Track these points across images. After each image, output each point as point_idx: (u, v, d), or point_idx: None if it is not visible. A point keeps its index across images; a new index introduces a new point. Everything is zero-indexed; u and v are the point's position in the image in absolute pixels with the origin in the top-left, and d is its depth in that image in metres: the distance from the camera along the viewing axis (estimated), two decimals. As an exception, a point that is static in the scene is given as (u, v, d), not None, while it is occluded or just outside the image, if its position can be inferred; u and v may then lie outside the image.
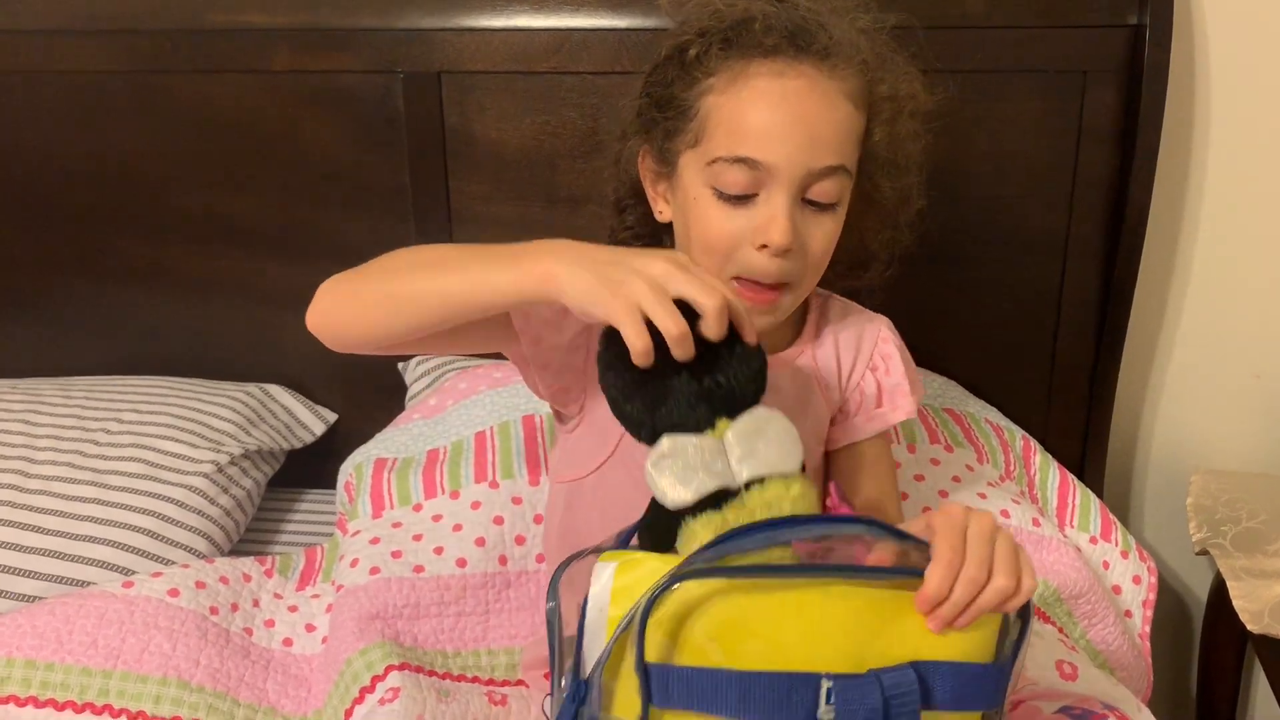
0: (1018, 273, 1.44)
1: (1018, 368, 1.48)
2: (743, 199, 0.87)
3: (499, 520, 1.18)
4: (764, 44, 0.87)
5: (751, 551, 0.65)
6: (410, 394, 1.44)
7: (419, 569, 1.15)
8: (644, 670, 0.63)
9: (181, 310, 1.53)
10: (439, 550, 1.17)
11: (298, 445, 1.49)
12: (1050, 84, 1.35)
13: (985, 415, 1.40)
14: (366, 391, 1.54)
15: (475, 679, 1.11)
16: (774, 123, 0.85)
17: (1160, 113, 1.32)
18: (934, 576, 0.64)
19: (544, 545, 1.14)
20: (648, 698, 0.63)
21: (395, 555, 1.16)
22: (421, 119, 1.41)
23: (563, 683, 0.70)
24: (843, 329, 1.03)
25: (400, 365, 1.49)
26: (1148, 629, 1.31)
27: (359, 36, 1.39)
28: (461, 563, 1.16)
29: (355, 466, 1.30)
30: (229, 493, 1.33)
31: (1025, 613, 0.68)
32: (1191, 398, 1.54)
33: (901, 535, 0.67)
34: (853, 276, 1.01)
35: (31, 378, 1.52)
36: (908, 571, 0.65)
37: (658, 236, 0.99)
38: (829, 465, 1.04)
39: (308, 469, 1.51)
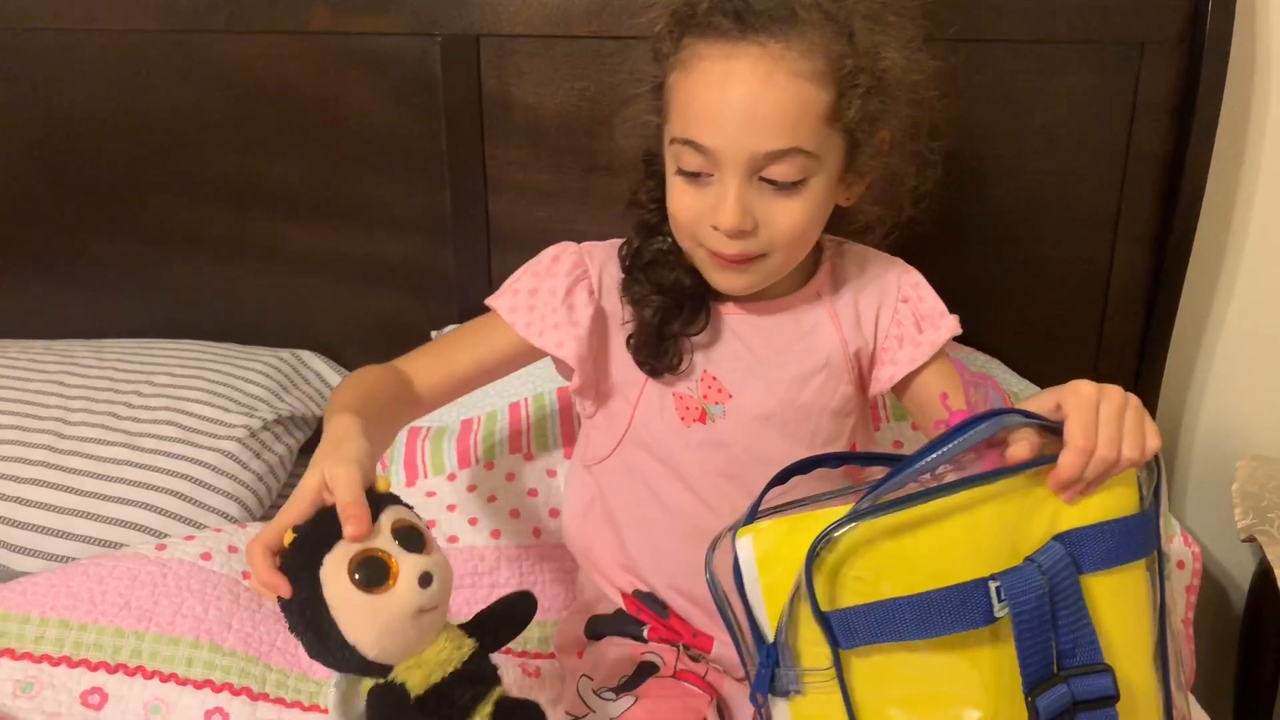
0: (1066, 251, 1.41)
1: (1064, 348, 1.45)
2: (700, 178, 0.89)
3: (533, 493, 1.17)
4: (712, 23, 0.86)
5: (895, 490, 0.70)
6: (444, 362, 1.43)
7: (453, 539, 1.14)
8: (824, 619, 0.68)
9: (215, 274, 1.52)
10: (473, 521, 1.16)
11: (330, 412, 1.47)
12: (1105, 56, 1.32)
13: (1027, 394, 1.36)
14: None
15: (508, 651, 1.10)
16: (715, 107, 0.85)
17: (1221, 86, 1.29)
18: (1067, 462, 0.68)
19: (565, 527, 1.11)
20: (835, 643, 0.69)
21: (429, 525, 1.15)
22: (458, 83, 1.39)
23: (745, 650, 0.75)
24: (861, 273, 1.02)
25: (434, 334, 1.47)
26: (1190, 615, 1.29)
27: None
28: (496, 534, 1.15)
29: (388, 434, 1.28)
30: (261, 458, 1.33)
31: (1156, 462, 0.73)
32: (1240, 381, 1.50)
33: (1033, 418, 0.71)
34: (857, 236, 1.03)
35: (65, 339, 1.52)
36: (1044, 460, 0.70)
37: (664, 214, 0.97)
38: (903, 401, 1.03)
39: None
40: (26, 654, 1.03)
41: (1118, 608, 0.71)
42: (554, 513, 1.17)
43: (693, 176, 0.89)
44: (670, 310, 0.96)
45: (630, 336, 0.97)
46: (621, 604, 1.03)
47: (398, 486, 1.21)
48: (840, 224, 1.01)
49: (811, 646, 0.70)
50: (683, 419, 0.97)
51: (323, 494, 0.74)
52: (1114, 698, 0.68)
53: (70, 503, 1.22)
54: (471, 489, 1.18)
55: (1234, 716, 1.46)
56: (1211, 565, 1.55)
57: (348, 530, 0.70)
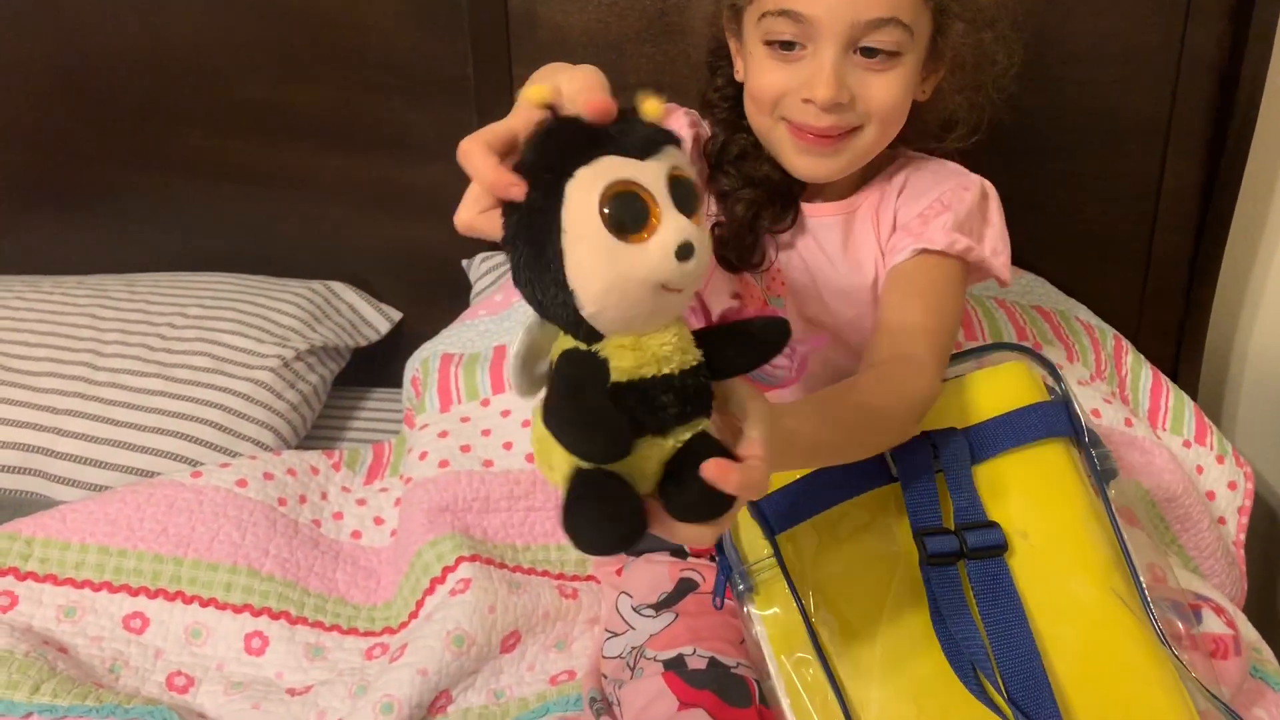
0: (1114, 162, 1.36)
1: (1111, 263, 1.41)
2: (792, 51, 0.87)
3: (569, 415, 1.15)
4: None
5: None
6: (475, 291, 1.41)
7: (488, 463, 1.13)
8: (756, 507, 0.80)
9: (244, 205, 1.51)
10: (508, 445, 1.14)
11: (362, 343, 1.47)
12: (1157, -45, 1.26)
13: (1075, 313, 1.33)
14: (431, 290, 1.51)
15: (545, 573, 1.09)
16: None
17: (1279, -13, 1.23)
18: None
19: None
20: (769, 530, 0.79)
21: (464, 449, 1.14)
22: (483, 2, 1.36)
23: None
24: (921, 181, 0.97)
25: (465, 263, 1.45)
26: (1242, 537, 1.26)
27: (421, -83, 1.34)
28: (530, 458, 1.13)
29: (422, 361, 1.27)
30: (295, 388, 1.32)
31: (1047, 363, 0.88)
32: (1295, 298, 1.46)
33: None
34: (935, 139, 0.98)
35: (97, 274, 1.51)
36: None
37: (738, 95, 0.95)
38: None
39: (373, 368, 1.49)
40: (69, 580, 1.03)
41: (1031, 480, 0.83)
42: (589, 436, 1.15)
43: (783, 50, 0.86)
44: (762, 204, 0.94)
45: (715, 226, 0.94)
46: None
47: (430, 411, 1.20)
48: (921, 123, 0.96)
49: (752, 540, 0.81)
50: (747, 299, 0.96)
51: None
52: (1001, 547, 0.79)
53: (107, 433, 1.22)
54: (505, 414, 1.17)
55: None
56: (1263, 488, 1.51)
57: (591, 103, 0.56)
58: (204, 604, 1.03)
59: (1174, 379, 1.37)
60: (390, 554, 1.12)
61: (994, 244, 0.97)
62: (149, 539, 1.06)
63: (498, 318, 1.29)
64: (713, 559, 0.97)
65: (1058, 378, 0.87)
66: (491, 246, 1.46)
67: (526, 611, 1.02)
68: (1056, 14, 1.29)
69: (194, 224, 1.53)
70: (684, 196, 0.56)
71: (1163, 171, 1.36)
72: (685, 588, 0.95)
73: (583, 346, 0.58)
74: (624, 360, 0.57)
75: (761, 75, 0.89)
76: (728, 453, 0.59)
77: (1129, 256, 1.40)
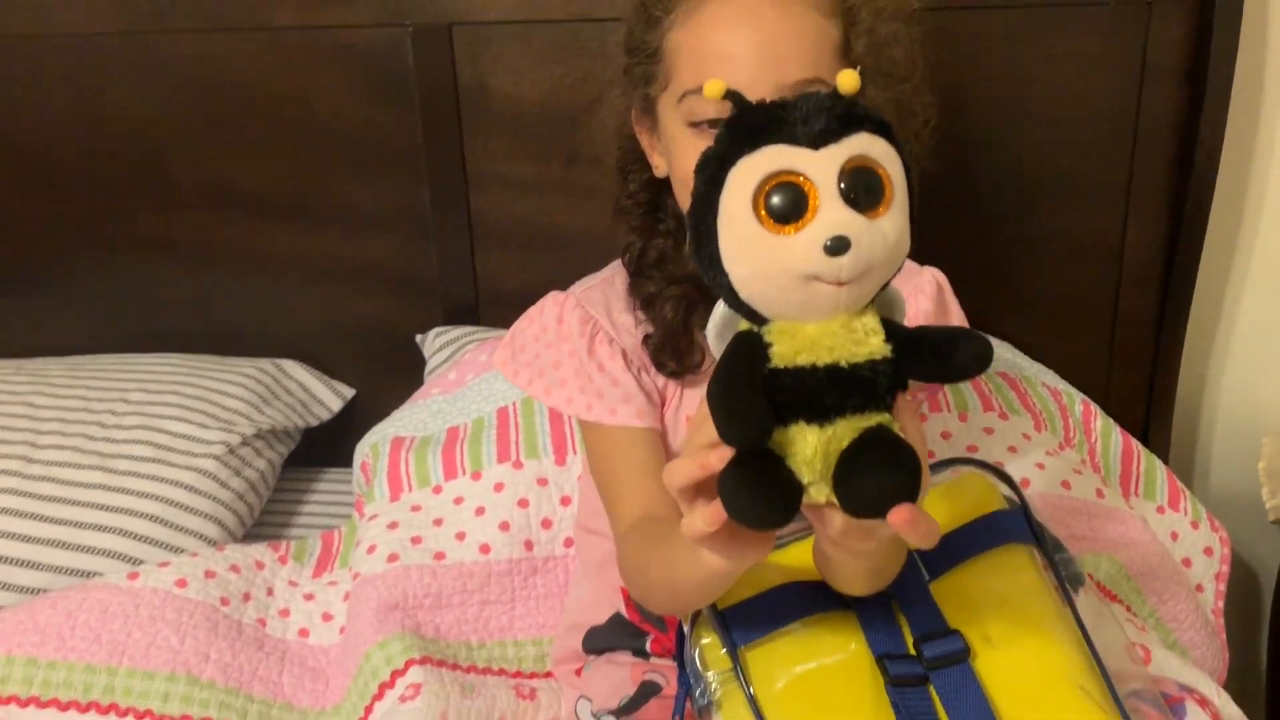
0: (1076, 224, 1.34)
1: (1076, 327, 1.39)
2: (717, 125, 0.81)
3: (524, 503, 1.11)
4: None
5: None
6: (429, 368, 1.37)
7: (440, 555, 1.09)
8: (720, 617, 0.76)
9: (191, 283, 1.47)
10: (461, 536, 1.10)
11: (314, 423, 1.42)
12: (1110, 16, 1.25)
13: (1042, 379, 1.31)
14: (385, 365, 1.47)
15: (502, 671, 1.05)
16: (733, 43, 0.81)
17: (1234, 45, 1.22)
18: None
19: (575, 531, 1.07)
20: (731, 643, 0.75)
21: (415, 541, 1.09)
22: (433, 74, 1.33)
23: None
24: None
25: (419, 338, 1.41)
26: (1221, 604, 1.23)
27: (366, -12, 1.31)
28: (485, 549, 1.09)
29: (371, 446, 1.23)
30: (241, 475, 1.27)
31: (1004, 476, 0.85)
32: (1262, 356, 1.44)
33: None
34: None
35: (39, 357, 1.46)
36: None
37: (658, 200, 0.93)
38: None
39: (325, 447, 1.45)
40: (-6, 695, 0.98)
41: (991, 584, 0.80)
42: (546, 523, 1.11)
43: (711, 128, 0.82)
44: (692, 300, 0.90)
45: (647, 337, 0.92)
46: (620, 608, 0.97)
47: (379, 501, 1.16)
48: None
49: (714, 653, 0.76)
50: None
51: None
52: (963, 652, 0.75)
53: (42, 531, 1.17)
54: (458, 501, 1.12)
55: (1267, 708, 1.40)
56: (1239, 549, 1.49)
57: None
58: (139, 716, 0.98)
59: (1144, 441, 1.35)
60: (339, 653, 1.07)
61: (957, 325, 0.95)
62: (81, 648, 1.01)
63: (451, 397, 1.25)
64: (675, 659, 0.93)
65: (1015, 488, 0.85)
66: (447, 320, 1.44)
67: (481, 717, 0.97)
68: (1012, 76, 1.28)
69: (140, 303, 1.48)
70: (860, 187, 0.54)
71: (1124, 232, 1.34)
72: (647, 692, 0.91)
73: (753, 327, 0.59)
74: (783, 345, 0.57)
75: (690, 158, 0.83)
76: (907, 451, 0.57)
77: (1094, 319, 1.38)
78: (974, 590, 0.80)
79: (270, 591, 1.13)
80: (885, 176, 0.55)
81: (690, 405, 0.92)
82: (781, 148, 0.55)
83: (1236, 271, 1.41)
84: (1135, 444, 1.28)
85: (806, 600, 0.77)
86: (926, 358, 0.59)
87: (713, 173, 0.57)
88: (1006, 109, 1.29)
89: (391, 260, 1.42)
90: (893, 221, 0.55)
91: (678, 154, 0.85)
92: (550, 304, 0.94)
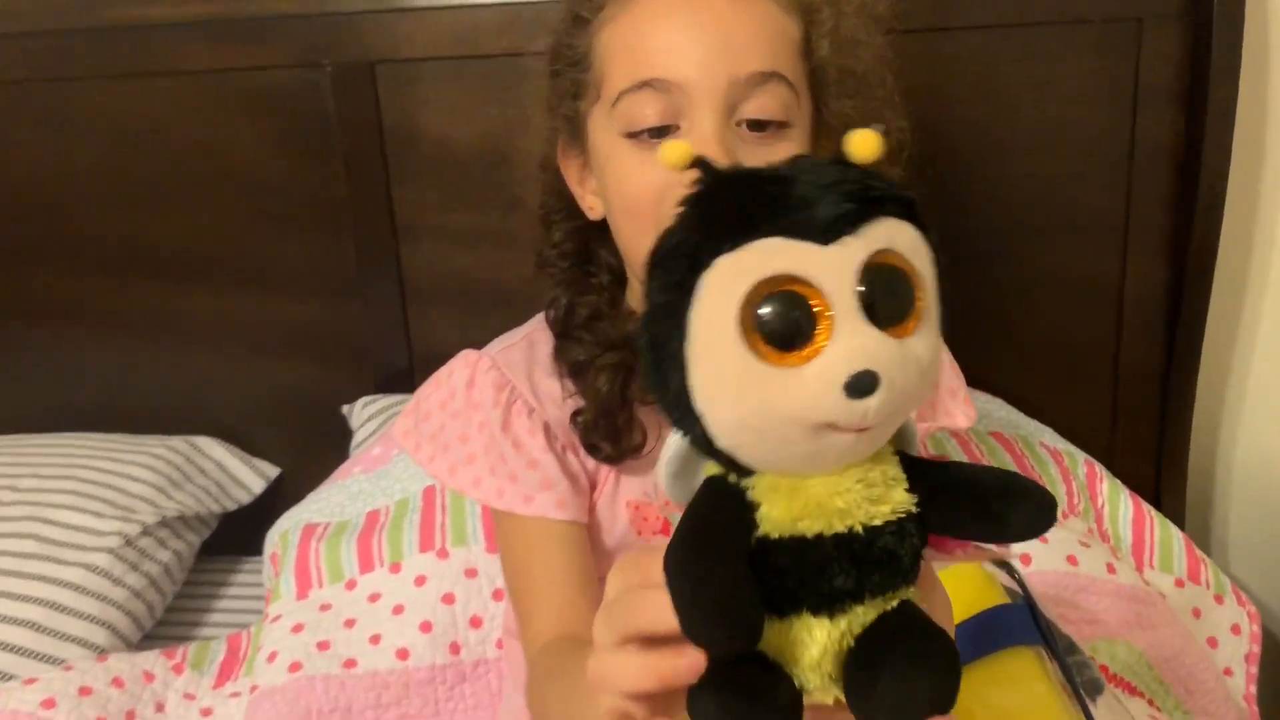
0: (1068, 265, 1.22)
1: (1075, 379, 1.26)
2: (660, 135, 0.70)
3: (449, 598, 0.96)
4: None
5: None
6: (355, 441, 1.23)
7: (350, 663, 0.94)
8: None
9: (98, 352, 1.33)
10: (375, 639, 0.95)
11: (232, 506, 1.28)
12: (1098, 35, 1.14)
13: (1040, 438, 1.17)
14: (313, 440, 1.33)
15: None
16: (677, 31, 0.70)
17: (1237, 63, 1.11)
18: None
19: (505, 629, 0.92)
20: None
21: (321, 647, 0.95)
22: (355, 118, 1.21)
23: None
24: None
25: (345, 409, 1.28)
26: (1253, 689, 1.09)
27: (278, 25, 1.20)
28: (403, 654, 0.94)
29: (281, 534, 1.09)
30: (140, 569, 1.12)
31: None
32: (1282, 405, 1.31)
33: None
34: None
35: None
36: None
37: (588, 250, 0.80)
38: None
39: (249, 533, 1.29)
40: None
41: (993, 700, 0.68)
42: (476, 621, 0.96)
43: (653, 139, 0.70)
44: (631, 368, 0.75)
45: (576, 414, 0.76)
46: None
47: (286, 599, 1.01)
48: None
49: None
50: (639, 532, 0.77)
51: None
52: None
53: (-97, 643, 1.02)
54: (374, 598, 0.98)
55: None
56: (1270, 622, 1.34)
57: None
58: None
59: (1157, 506, 1.21)
60: (236, 782, 0.92)
61: (950, 385, 0.82)
62: (-81, 789, 0.86)
63: (374, 475, 1.11)
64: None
65: (1017, 577, 0.73)
66: (379, 388, 1.30)
67: None
68: (996, 106, 1.17)
69: (42, 376, 1.35)
70: (885, 296, 0.40)
71: (1123, 273, 1.22)
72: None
73: (730, 475, 0.44)
74: (777, 508, 0.42)
75: (631, 175, 0.71)
76: (941, 640, 0.42)
77: (1094, 369, 1.25)
78: (973, 705, 0.68)
79: (160, 707, 0.98)
80: (915, 278, 0.41)
81: (628, 491, 0.77)
82: (778, 241, 0.40)
83: (1249, 312, 1.28)
84: (1147, 509, 1.15)
85: None
86: (967, 513, 0.44)
87: (679, 276, 0.41)
88: (987, 139, 1.18)
89: (316, 323, 1.29)
90: (925, 339, 0.41)
91: (615, 174, 0.72)
92: (460, 365, 0.80)
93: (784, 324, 0.39)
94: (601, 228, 0.78)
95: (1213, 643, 1.08)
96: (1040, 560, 1.00)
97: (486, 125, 1.20)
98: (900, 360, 0.40)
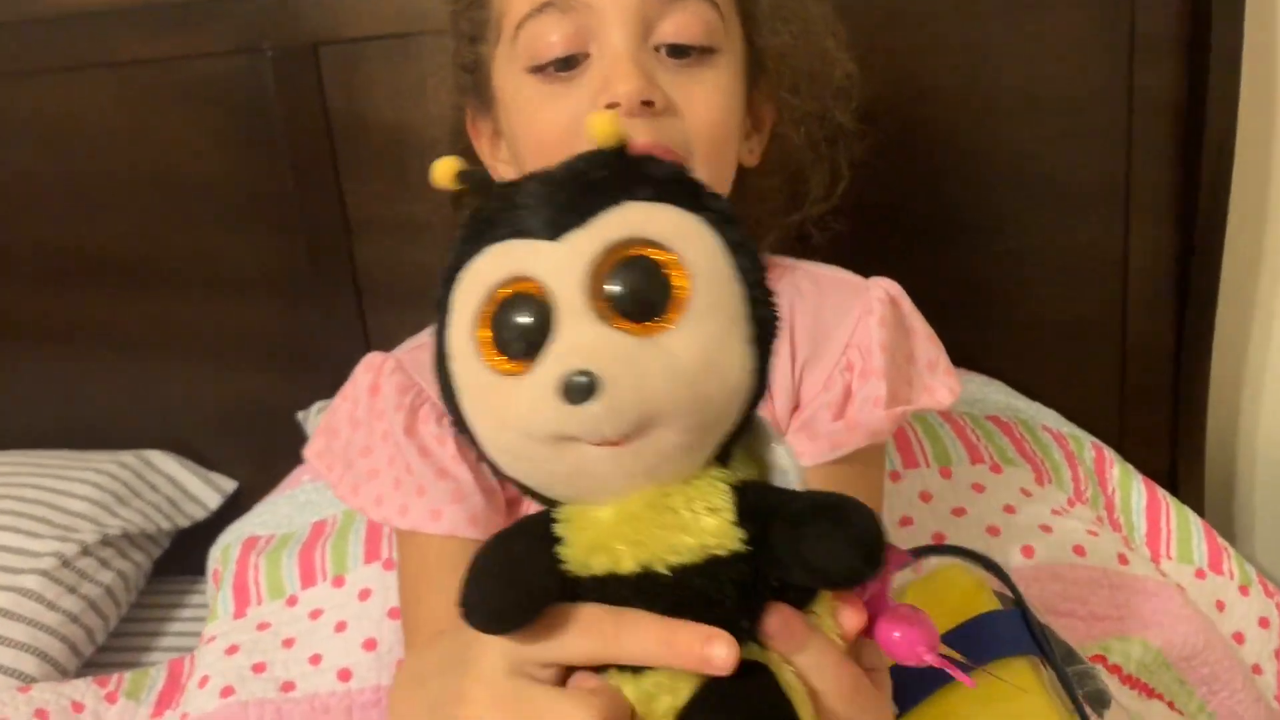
0: (1068, 234, 1.13)
1: (1079, 359, 1.17)
2: (569, 67, 0.64)
3: (395, 613, 0.88)
4: None
5: None
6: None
7: (288, 686, 0.86)
8: None
9: (40, 368, 1.27)
10: (315, 659, 0.87)
11: (186, 523, 1.21)
12: (1089, -16, 1.06)
13: (1041, 421, 1.08)
14: (271, 450, 1.24)
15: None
16: None
17: (1240, 6, 1.02)
18: None
19: None
20: None
21: (257, 669, 0.87)
22: (299, 105, 1.14)
23: None
24: (809, 301, 0.73)
25: (299, 415, 1.20)
26: (1286, 688, 0.99)
27: (214, 8, 1.13)
28: (345, 674, 0.86)
29: (222, 549, 1.01)
30: (77, 592, 1.05)
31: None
32: (1305, 379, 1.22)
33: None
34: (794, 208, 0.78)
35: None
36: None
37: None
38: None
39: (205, 551, 1.22)
40: None
41: (996, 710, 0.60)
42: (425, 637, 0.88)
43: (560, 73, 0.64)
44: None
45: None
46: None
47: (223, 618, 0.93)
48: (762, 194, 0.77)
49: None
50: None
51: None
52: None
53: None
54: (315, 615, 0.90)
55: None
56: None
57: None
58: None
59: (1172, 490, 1.12)
60: (166, 822, 0.84)
61: (928, 357, 0.73)
62: None
63: (322, 484, 1.03)
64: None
65: (1007, 581, 0.65)
66: (335, 392, 1.22)
67: None
68: (982, 67, 1.08)
69: (-19, 394, 1.28)
70: (628, 290, 0.36)
71: (1127, 241, 1.13)
72: None
73: (533, 516, 0.41)
74: (574, 542, 0.39)
75: (539, 113, 0.65)
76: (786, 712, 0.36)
77: (1099, 347, 1.16)
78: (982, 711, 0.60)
79: (90, 741, 0.90)
80: (671, 266, 0.36)
81: None
82: (509, 243, 0.38)
83: (1266, 280, 1.19)
84: (1162, 495, 1.05)
85: None
86: (779, 547, 0.38)
87: (439, 295, 0.40)
88: (973, 101, 1.09)
89: (268, 327, 1.22)
90: (690, 333, 0.36)
91: (522, 115, 0.66)
92: (363, 370, 0.73)
93: (509, 330, 0.37)
94: None
95: (1239, 638, 0.99)
96: (1043, 553, 0.91)
97: (437, 109, 1.13)
98: (633, 358, 0.35)
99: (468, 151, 0.75)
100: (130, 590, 1.13)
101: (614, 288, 0.36)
